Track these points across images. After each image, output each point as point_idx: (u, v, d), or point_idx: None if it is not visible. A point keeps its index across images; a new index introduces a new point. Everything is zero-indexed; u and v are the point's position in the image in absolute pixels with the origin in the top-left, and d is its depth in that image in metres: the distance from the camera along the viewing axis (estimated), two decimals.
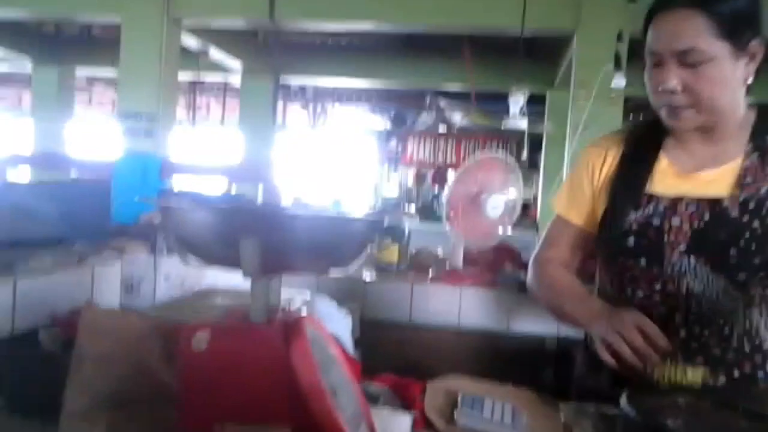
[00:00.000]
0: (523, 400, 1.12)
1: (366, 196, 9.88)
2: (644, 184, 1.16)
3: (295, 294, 1.50)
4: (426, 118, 9.82)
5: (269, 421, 0.70)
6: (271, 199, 1.99)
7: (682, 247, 1.11)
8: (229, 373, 0.73)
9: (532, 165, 7.10)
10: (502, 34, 4.99)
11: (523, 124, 4.32)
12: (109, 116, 9.66)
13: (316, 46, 7.36)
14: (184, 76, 7.79)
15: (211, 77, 8.04)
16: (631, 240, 1.15)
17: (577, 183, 1.29)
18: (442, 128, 10.45)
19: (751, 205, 1.08)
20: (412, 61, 7.13)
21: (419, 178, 10.46)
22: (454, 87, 7.44)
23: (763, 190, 1.08)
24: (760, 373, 1.11)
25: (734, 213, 1.08)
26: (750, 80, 1.08)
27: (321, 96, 9.86)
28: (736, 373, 1.10)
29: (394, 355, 1.79)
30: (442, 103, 8.68)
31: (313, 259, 0.80)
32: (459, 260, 2.63)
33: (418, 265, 2.76)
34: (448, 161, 10.29)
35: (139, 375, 0.86)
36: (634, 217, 1.15)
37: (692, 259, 1.11)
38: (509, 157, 2.90)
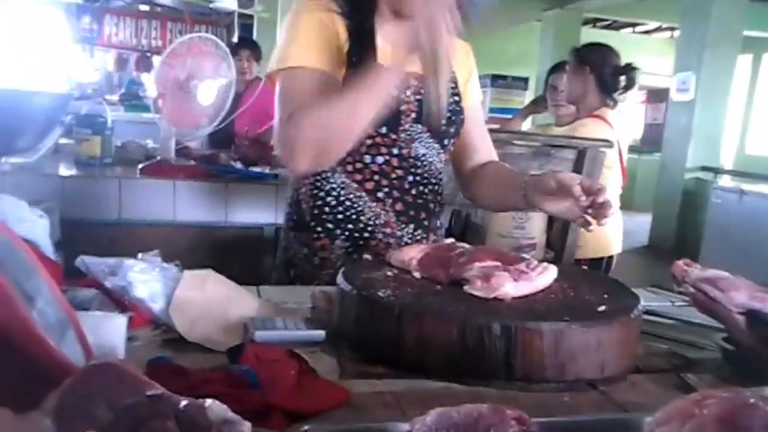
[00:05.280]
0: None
1: (57, 82, 8.67)
2: (374, 57, 1.20)
3: None
4: None
5: None
6: None
7: (413, 116, 1.26)
8: None
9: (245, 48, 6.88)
10: None
11: (232, 4, 4.11)
12: None
13: None
14: None
15: None
16: None
17: (318, 34, 1.21)
18: (144, 6, 9.52)
19: (451, 84, 1.29)
20: None
21: (120, 62, 9.50)
22: None
23: (456, 73, 1.31)
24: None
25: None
26: None
27: None
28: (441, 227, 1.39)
29: (104, 257, 1.66)
30: None
31: None
32: (170, 151, 2.49)
33: (125, 159, 2.56)
34: (153, 45, 9.49)
35: None
36: None
37: (419, 126, 1.27)
38: (219, 41, 2.76)
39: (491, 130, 2.14)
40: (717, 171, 6.50)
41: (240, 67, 3.49)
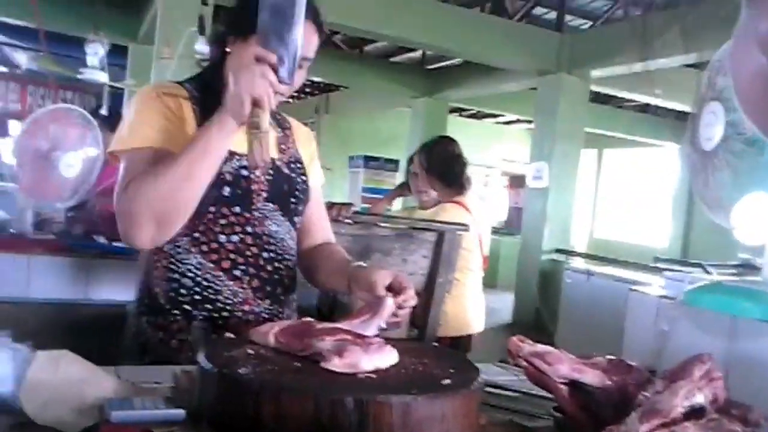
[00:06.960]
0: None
1: None
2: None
3: None
4: None
5: None
6: None
7: (264, 194, 1.33)
8: None
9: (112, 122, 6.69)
10: None
11: (103, 77, 4.03)
12: None
13: None
14: None
15: None
16: (226, 189, 1.28)
17: (161, 117, 1.26)
18: (2, 67, 9.06)
19: (292, 166, 1.40)
20: None
21: None
22: (16, 20, 6.48)
23: (293, 154, 1.42)
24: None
25: (286, 170, 1.38)
26: None
27: None
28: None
29: None
30: (1, 37, 7.50)
31: None
32: (27, 224, 2.37)
33: None
34: (12, 109, 9.00)
35: None
36: (224, 168, 1.26)
37: (271, 204, 1.34)
38: (86, 111, 2.72)
39: (358, 212, 2.26)
40: (569, 253, 7.05)
41: (109, 139, 3.41)
